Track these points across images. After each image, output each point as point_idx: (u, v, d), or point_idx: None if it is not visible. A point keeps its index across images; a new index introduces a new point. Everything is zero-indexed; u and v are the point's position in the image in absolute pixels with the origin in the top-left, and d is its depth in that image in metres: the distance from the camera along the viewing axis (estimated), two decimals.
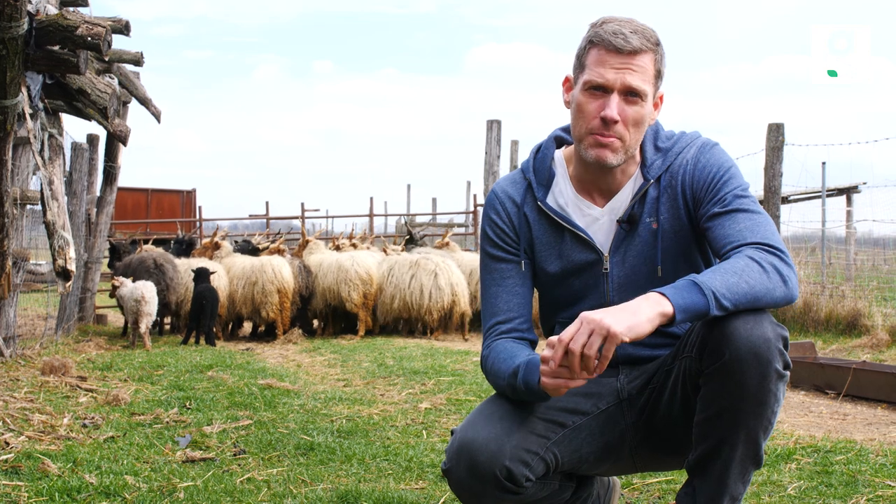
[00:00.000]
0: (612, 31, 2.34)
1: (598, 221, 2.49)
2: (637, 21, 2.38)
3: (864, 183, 14.59)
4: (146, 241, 11.32)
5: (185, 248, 11.50)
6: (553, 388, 2.17)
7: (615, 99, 2.33)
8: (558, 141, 2.62)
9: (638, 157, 2.50)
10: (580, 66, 2.41)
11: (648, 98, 2.37)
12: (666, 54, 2.42)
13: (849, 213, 15.45)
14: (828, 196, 13.50)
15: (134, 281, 9.13)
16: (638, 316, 2.07)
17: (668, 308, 2.08)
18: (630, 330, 2.05)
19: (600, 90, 2.35)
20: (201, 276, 9.49)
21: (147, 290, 8.75)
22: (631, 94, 2.34)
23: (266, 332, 10.72)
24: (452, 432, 2.40)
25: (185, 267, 10.20)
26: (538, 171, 2.56)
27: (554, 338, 2.15)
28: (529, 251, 2.55)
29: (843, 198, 16.22)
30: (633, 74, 2.33)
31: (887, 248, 16.23)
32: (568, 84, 2.50)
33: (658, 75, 2.40)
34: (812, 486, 3.36)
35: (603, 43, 2.34)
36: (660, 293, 2.11)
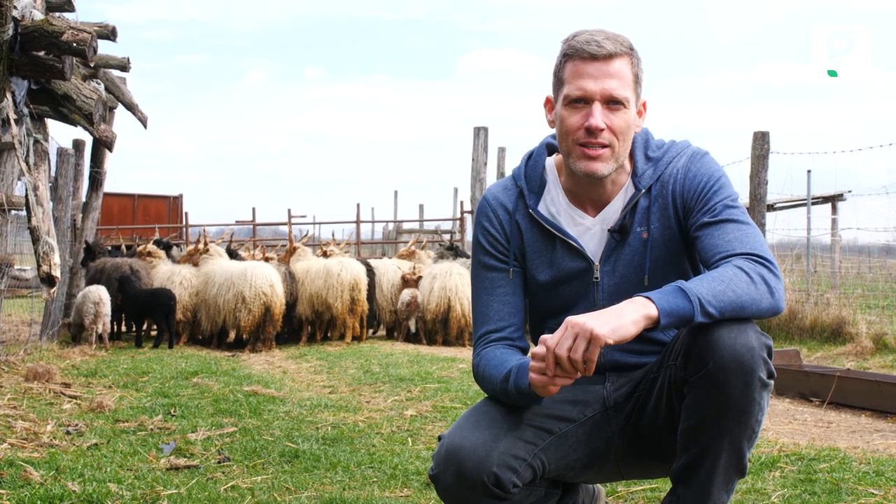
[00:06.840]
0: (584, 40, 2.35)
1: (589, 231, 2.49)
2: (608, 30, 2.39)
3: (849, 191, 14.66)
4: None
5: (168, 251, 11.48)
6: (541, 385, 2.17)
7: (598, 108, 2.33)
8: (549, 148, 2.61)
9: (628, 167, 2.49)
10: (558, 82, 2.42)
11: (631, 104, 2.38)
12: (642, 59, 2.43)
13: (834, 221, 15.52)
14: (813, 204, 13.57)
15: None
16: (622, 318, 2.08)
17: (653, 311, 2.09)
18: (614, 332, 2.06)
19: (581, 102, 2.35)
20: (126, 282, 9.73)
21: (103, 294, 9.18)
22: (613, 102, 2.34)
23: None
24: (440, 438, 2.39)
25: (167, 273, 10.19)
26: (530, 179, 2.55)
27: (540, 346, 2.16)
28: (521, 259, 2.55)
29: (829, 206, 16.32)
30: (612, 81, 2.33)
31: (872, 255, 16.29)
32: (549, 104, 2.50)
33: (637, 80, 2.40)
34: (796, 494, 3.37)
35: (577, 53, 2.35)
36: (645, 297, 2.12)
